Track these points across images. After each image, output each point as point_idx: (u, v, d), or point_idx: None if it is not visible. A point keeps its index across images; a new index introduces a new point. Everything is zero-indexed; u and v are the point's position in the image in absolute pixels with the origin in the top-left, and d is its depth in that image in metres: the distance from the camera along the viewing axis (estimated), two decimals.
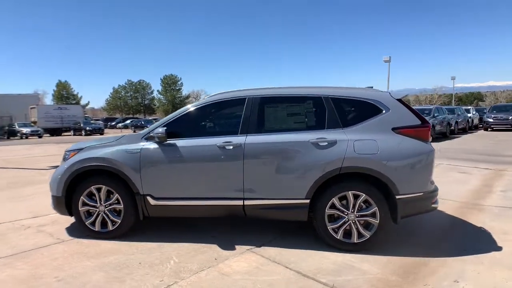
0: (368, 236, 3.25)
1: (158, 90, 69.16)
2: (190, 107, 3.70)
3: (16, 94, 34.95)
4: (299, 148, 3.32)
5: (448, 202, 5.14)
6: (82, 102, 62.62)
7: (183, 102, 64.89)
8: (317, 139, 3.31)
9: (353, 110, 3.50)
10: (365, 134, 3.31)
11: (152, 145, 3.52)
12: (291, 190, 3.33)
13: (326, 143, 3.29)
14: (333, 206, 3.30)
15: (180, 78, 69.28)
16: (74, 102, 57.81)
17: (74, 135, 29.48)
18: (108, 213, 3.60)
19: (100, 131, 30.12)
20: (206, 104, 3.67)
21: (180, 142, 3.51)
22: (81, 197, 3.60)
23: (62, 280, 2.75)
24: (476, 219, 4.28)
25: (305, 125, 3.52)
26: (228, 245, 3.42)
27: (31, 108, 31.31)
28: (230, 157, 3.38)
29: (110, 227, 3.60)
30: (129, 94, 68.91)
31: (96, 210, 3.61)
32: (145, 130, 3.68)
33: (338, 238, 3.29)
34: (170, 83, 68.41)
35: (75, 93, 62.75)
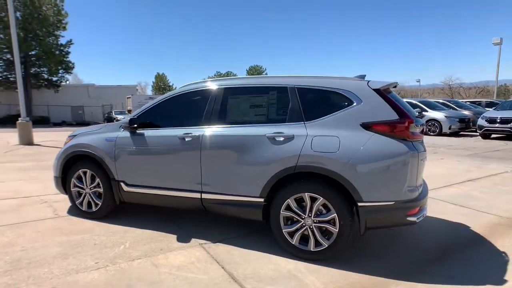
0: (326, 245, 2.87)
1: None
2: (163, 97, 3.73)
3: (116, 85, 40.06)
4: (254, 142, 3.08)
5: (487, 216, 4.22)
6: None
7: None
8: (274, 133, 3.02)
9: (320, 102, 3.08)
10: (328, 129, 2.90)
11: (125, 134, 3.68)
12: (245, 187, 3.13)
13: (283, 138, 2.98)
14: (288, 208, 2.99)
15: (265, 69, 70.87)
16: None
17: None
18: (92, 195, 3.90)
19: None
20: (176, 95, 3.65)
21: (148, 132, 3.59)
22: (72, 179, 3.98)
23: (24, 250, 3.09)
24: (507, 242, 3.41)
25: (267, 118, 3.24)
26: (186, 237, 3.40)
27: (127, 98, 35.60)
28: (189, 149, 3.33)
29: (94, 208, 3.90)
30: None
31: (83, 192, 3.95)
32: (123, 119, 3.85)
33: (293, 243, 2.98)
34: (255, 74, 70.43)
35: (170, 84, 69.37)
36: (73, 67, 31.90)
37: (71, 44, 31.83)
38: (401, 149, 2.73)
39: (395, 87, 3.24)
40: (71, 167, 4.01)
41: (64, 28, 31.23)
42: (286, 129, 3.01)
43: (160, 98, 3.74)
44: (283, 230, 3.02)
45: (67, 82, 35.50)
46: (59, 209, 4.32)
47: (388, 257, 3.07)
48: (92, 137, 3.89)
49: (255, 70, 70.35)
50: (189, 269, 2.78)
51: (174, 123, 3.55)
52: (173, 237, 3.42)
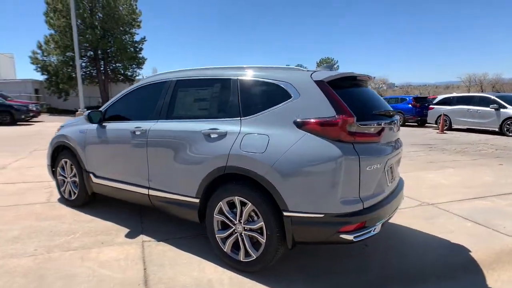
0: (255, 256, 2.57)
1: None
2: (126, 90, 3.71)
3: None
4: (191, 139, 2.88)
5: (505, 239, 3.46)
6: None
7: None
8: (209, 129, 2.78)
9: (259, 95, 2.73)
10: (261, 126, 2.56)
11: (94, 127, 3.76)
12: (183, 186, 2.96)
13: (217, 135, 2.73)
14: (221, 212, 2.74)
15: (337, 61, 68.44)
16: None
17: None
18: (71, 184, 4.10)
19: None
20: (138, 87, 3.60)
21: (109, 125, 3.61)
22: (58, 167, 4.23)
23: None
24: (505, 276, 2.69)
25: (208, 112, 3.00)
26: (136, 233, 3.37)
27: None
28: (138, 143, 3.26)
29: (73, 197, 4.10)
30: None
31: (66, 180, 4.17)
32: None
33: (225, 250, 2.74)
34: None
35: None
36: (144, 63, 34.51)
37: (145, 41, 34.48)
38: (332, 152, 2.28)
39: (355, 78, 2.73)
40: (57, 156, 4.26)
41: (139, 26, 33.87)
42: (222, 125, 2.75)
43: (124, 90, 3.74)
44: (216, 235, 2.78)
45: (145, 77, 38.65)
46: (55, 195, 4.62)
47: (331, 279, 2.63)
48: (71, 129, 4.08)
49: (325, 62, 68.41)
50: (111, 266, 2.72)
51: (132, 117, 3.53)
52: (125, 231, 3.41)
